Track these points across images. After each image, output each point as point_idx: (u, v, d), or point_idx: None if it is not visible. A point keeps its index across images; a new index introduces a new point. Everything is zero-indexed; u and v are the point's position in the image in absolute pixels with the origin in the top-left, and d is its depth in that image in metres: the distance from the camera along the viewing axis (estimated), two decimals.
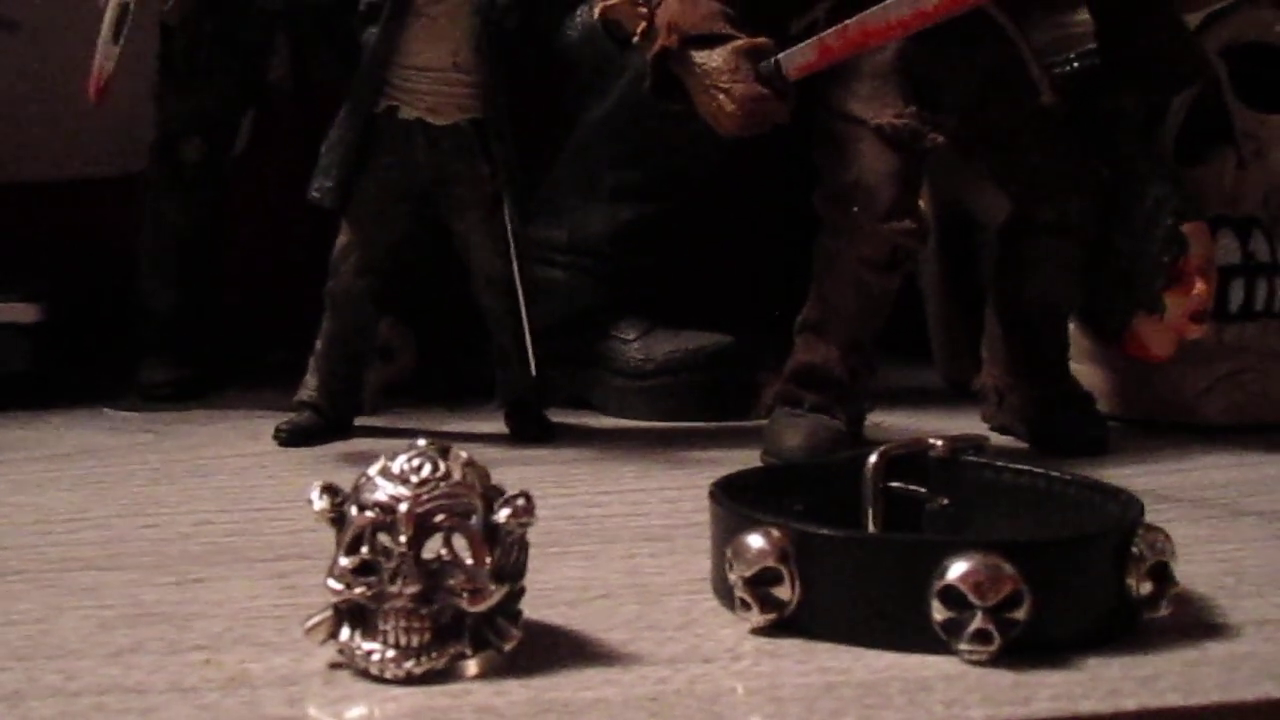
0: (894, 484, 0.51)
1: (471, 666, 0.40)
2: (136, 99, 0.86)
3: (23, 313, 0.85)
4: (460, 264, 0.76)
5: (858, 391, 0.70)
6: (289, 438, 0.73)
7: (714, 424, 0.79)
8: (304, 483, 0.65)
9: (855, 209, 0.66)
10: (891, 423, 0.77)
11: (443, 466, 0.41)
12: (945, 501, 0.51)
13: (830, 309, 0.68)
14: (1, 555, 0.53)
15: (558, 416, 0.78)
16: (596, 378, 0.84)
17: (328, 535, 0.55)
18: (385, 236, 0.73)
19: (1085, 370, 0.77)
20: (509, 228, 0.72)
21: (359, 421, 0.77)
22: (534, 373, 0.73)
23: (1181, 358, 0.73)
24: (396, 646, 0.40)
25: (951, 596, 0.40)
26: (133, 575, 0.51)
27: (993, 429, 0.75)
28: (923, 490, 0.51)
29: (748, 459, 0.68)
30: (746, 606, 0.43)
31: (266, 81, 0.90)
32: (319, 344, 0.75)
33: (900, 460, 0.52)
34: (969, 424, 0.75)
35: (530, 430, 0.76)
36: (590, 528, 0.57)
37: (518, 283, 0.73)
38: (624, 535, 0.56)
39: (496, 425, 0.77)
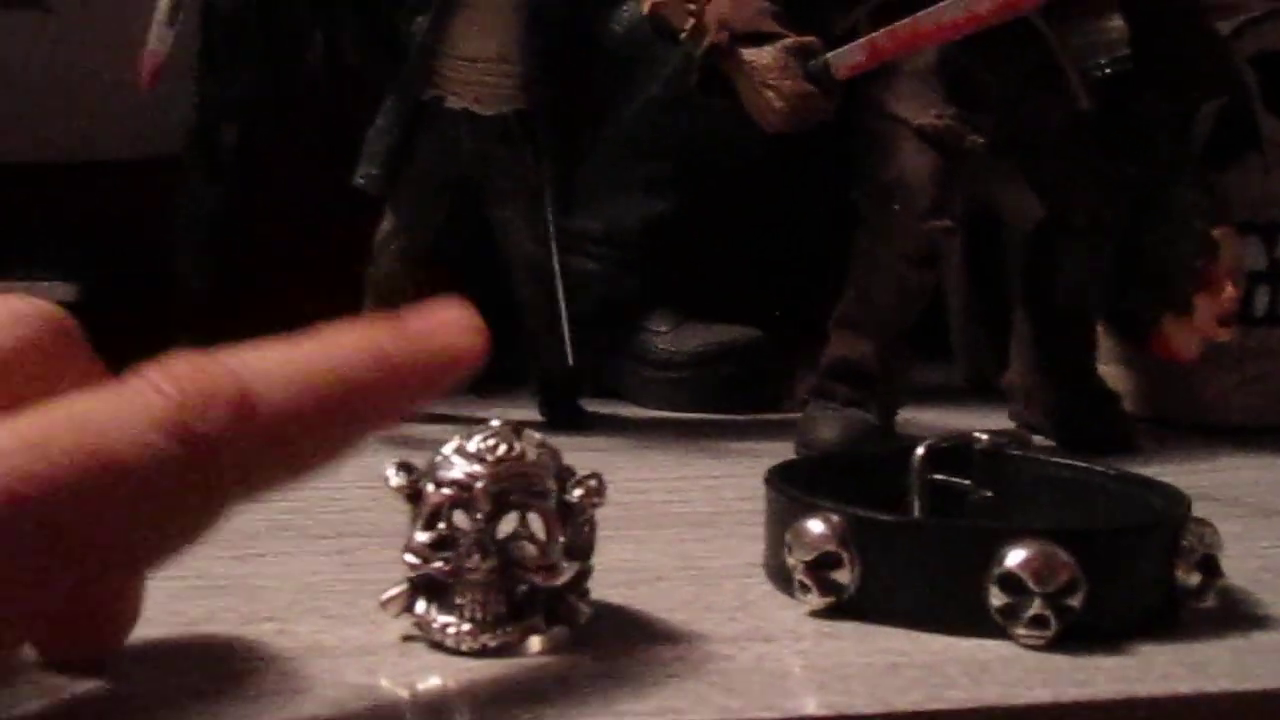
0: (939, 476, 0.52)
1: (540, 642, 0.42)
2: (172, 81, 0.87)
3: (59, 292, 0.86)
4: (492, 252, 0.77)
5: (891, 386, 0.71)
6: None
7: (745, 416, 0.81)
8: (348, 464, 0.67)
9: (896, 206, 0.67)
10: (918, 419, 0.78)
11: (517, 446, 0.42)
12: (989, 494, 0.52)
13: (867, 304, 0.69)
14: None
15: (589, 406, 0.79)
16: (627, 369, 0.85)
17: (383, 515, 0.57)
18: (428, 223, 0.74)
19: (1111, 371, 0.78)
20: (549, 218, 0.74)
21: None
22: (570, 361, 0.74)
23: (1207, 360, 0.75)
24: (472, 620, 0.41)
25: (1010, 582, 0.41)
26: (194, 549, 0.52)
27: (1019, 427, 0.76)
28: (966, 483, 0.52)
29: (781, 450, 0.69)
30: (806, 589, 0.45)
31: (304, 67, 0.91)
32: None
33: (944, 452, 0.53)
34: (994, 421, 0.76)
35: (565, 418, 0.77)
36: (635, 513, 0.58)
37: (556, 272, 0.74)
38: (669, 521, 0.58)
39: (530, 412, 0.78)
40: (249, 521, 0.55)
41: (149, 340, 0.89)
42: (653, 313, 0.85)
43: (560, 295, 0.74)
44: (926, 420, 0.78)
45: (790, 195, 0.93)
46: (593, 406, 0.79)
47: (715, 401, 0.82)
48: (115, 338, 0.92)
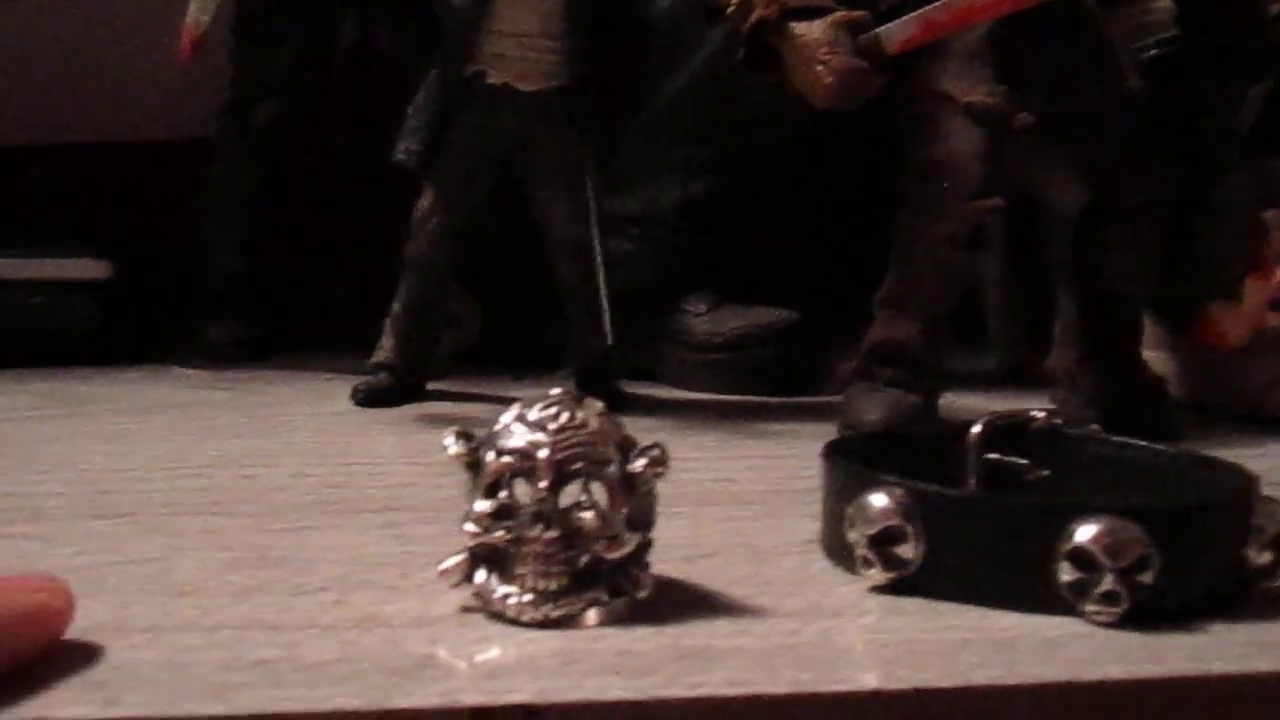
0: (995, 455, 0.51)
1: (601, 614, 0.41)
2: (205, 63, 0.87)
3: (92, 270, 0.86)
4: (527, 231, 0.76)
5: (934, 367, 0.70)
6: (366, 399, 0.74)
7: (783, 398, 0.80)
8: (389, 440, 0.67)
9: (944, 185, 0.66)
10: (956, 404, 0.77)
11: (579, 415, 0.42)
12: (1045, 473, 0.52)
13: (912, 285, 0.68)
14: (108, 499, 0.54)
15: (624, 387, 0.78)
16: (663, 350, 0.84)
17: (427, 490, 0.57)
18: (467, 201, 0.74)
19: (1153, 357, 0.77)
20: (590, 196, 0.73)
21: (430, 385, 0.77)
22: (610, 341, 0.74)
23: (1251, 348, 0.74)
24: (534, 591, 0.40)
25: (1081, 558, 0.41)
26: (243, 521, 0.51)
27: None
28: (1023, 461, 0.52)
29: (823, 431, 0.69)
30: (868, 564, 0.44)
31: (338, 47, 0.91)
32: (395, 307, 0.76)
33: (998, 431, 0.52)
34: (1033, 406, 0.75)
35: (602, 399, 0.76)
36: (685, 491, 0.57)
37: (597, 251, 0.73)
38: (718, 499, 0.57)
39: None
40: (292, 496, 0.55)
41: (180, 318, 0.90)
42: (689, 294, 0.84)
43: (600, 275, 0.73)
44: (966, 405, 0.77)
45: (828, 177, 0.93)
46: (628, 388, 0.79)
47: (753, 384, 0.81)
48: (147, 315, 0.92)
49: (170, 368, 0.84)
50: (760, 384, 0.81)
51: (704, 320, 0.83)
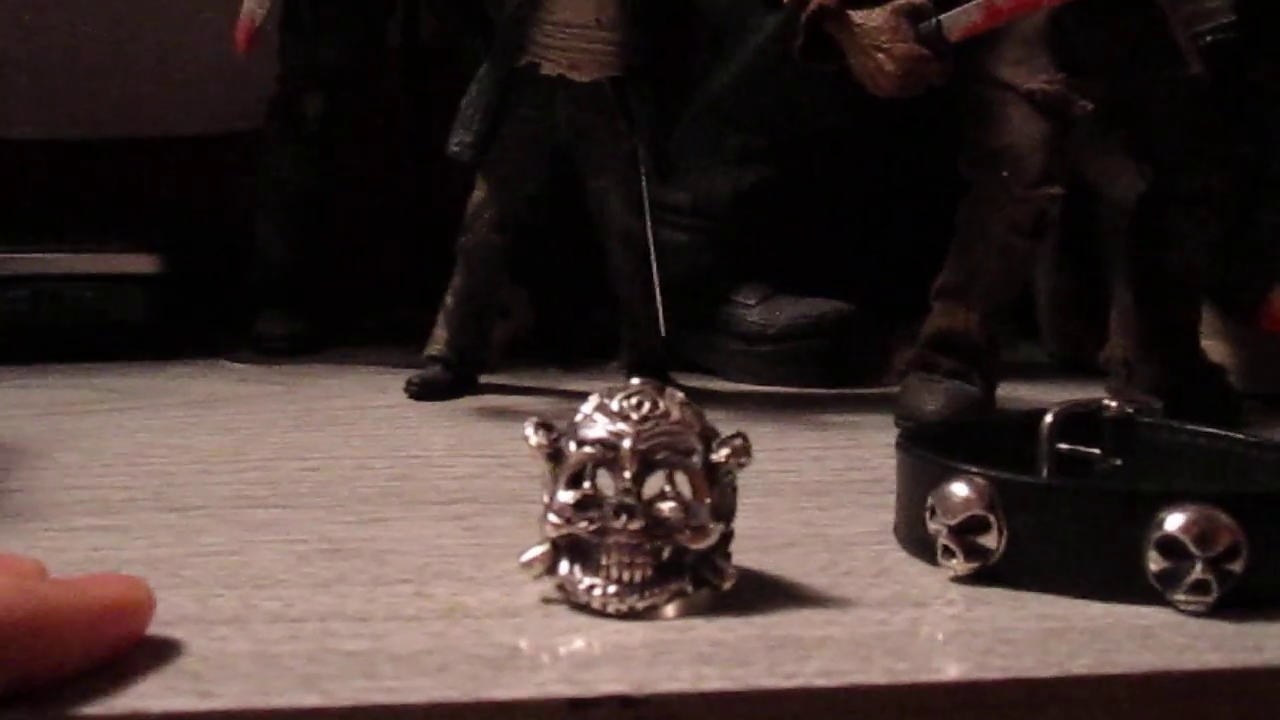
0: (1065, 445, 0.51)
1: (685, 605, 0.41)
2: (254, 56, 0.87)
3: (142, 264, 0.85)
4: (577, 223, 0.76)
5: (994, 357, 0.70)
6: (420, 392, 0.74)
7: (836, 390, 0.79)
8: (447, 433, 0.67)
9: (1004, 174, 0.66)
10: (1011, 395, 0.76)
11: (661, 404, 0.41)
12: (1118, 462, 0.51)
13: (973, 274, 0.68)
14: (175, 492, 0.54)
15: (677, 379, 0.78)
16: (715, 342, 0.84)
17: (493, 483, 0.56)
18: (521, 192, 0.73)
19: (1211, 345, 0.77)
20: (644, 187, 0.72)
21: (483, 379, 0.77)
22: (664, 333, 0.73)
23: None
24: (619, 582, 0.40)
25: (1170, 547, 0.40)
26: (312, 513, 0.51)
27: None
28: (1096, 451, 0.51)
29: (879, 422, 0.68)
30: (950, 554, 0.43)
31: (386, 38, 0.91)
32: (448, 299, 0.75)
33: (1069, 420, 0.51)
34: (1099, 396, 0.74)
35: None
36: (749, 482, 0.56)
37: (650, 242, 0.73)
38: (784, 490, 0.56)
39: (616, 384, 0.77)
40: (358, 488, 0.55)
41: (230, 312, 0.90)
42: (741, 285, 0.84)
43: (654, 266, 0.73)
44: (1021, 396, 0.77)
45: (881, 167, 0.92)
46: (680, 380, 0.78)
47: (806, 375, 0.80)
48: (197, 309, 0.92)
49: (219, 362, 0.83)
50: (813, 375, 0.81)
51: (755, 312, 0.82)
